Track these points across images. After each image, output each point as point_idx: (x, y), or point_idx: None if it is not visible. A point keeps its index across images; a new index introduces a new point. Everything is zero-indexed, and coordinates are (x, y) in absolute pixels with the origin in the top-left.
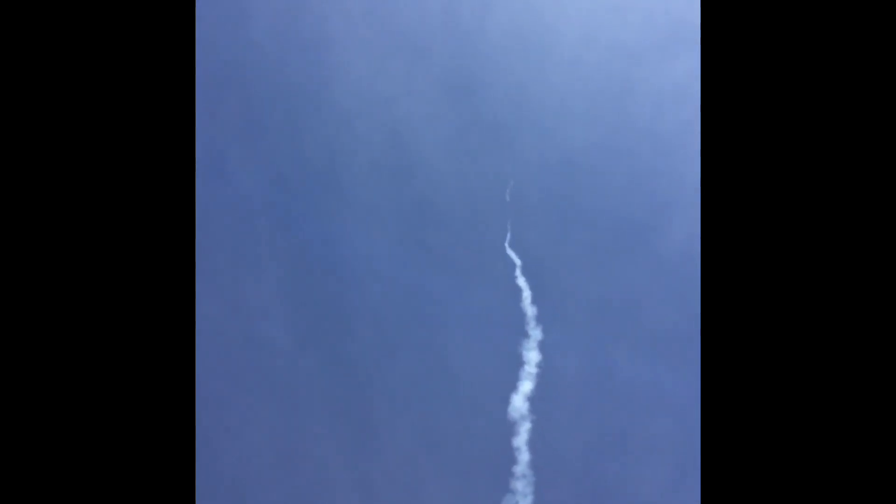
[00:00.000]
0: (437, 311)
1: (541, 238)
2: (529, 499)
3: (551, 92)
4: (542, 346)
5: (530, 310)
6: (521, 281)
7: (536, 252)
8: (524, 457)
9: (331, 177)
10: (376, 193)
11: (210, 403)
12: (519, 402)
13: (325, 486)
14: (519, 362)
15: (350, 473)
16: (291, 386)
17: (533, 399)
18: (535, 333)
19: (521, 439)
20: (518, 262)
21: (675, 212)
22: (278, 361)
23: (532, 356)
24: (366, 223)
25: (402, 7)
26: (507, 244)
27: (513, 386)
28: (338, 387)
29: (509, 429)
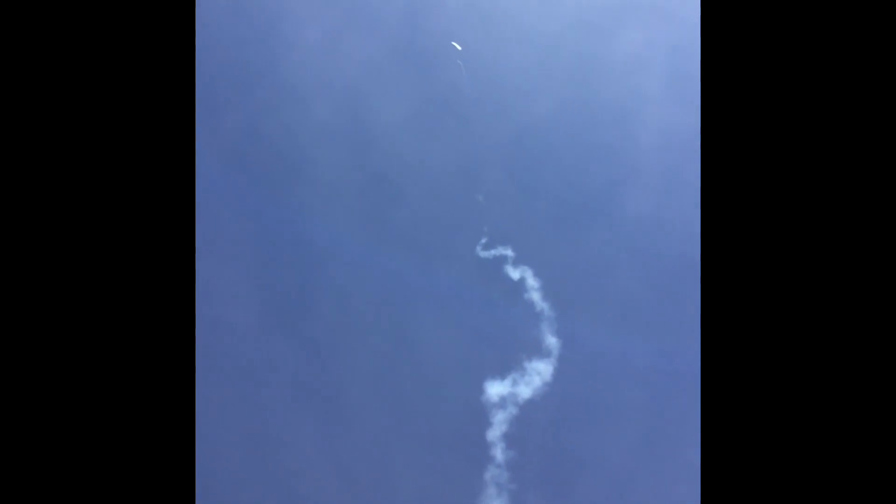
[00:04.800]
0: (402, 290)
1: (504, 211)
2: (504, 475)
3: (509, 64)
4: (512, 320)
5: (500, 285)
6: (488, 254)
7: (501, 226)
8: (497, 432)
9: (289, 155)
10: (336, 171)
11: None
12: (491, 380)
13: (295, 467)
14: (489, 339)
15: (320, 455)
16: (258, 370)
17: (505, 373)
18: (506, 308)
19: (494, 416)
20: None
21: (635, 181)
22: (244, 345)
23: (502, 332)
24: (327, 202)
25: None
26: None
27: (483, 363)
28: (306, 369)
29: (482, 407)
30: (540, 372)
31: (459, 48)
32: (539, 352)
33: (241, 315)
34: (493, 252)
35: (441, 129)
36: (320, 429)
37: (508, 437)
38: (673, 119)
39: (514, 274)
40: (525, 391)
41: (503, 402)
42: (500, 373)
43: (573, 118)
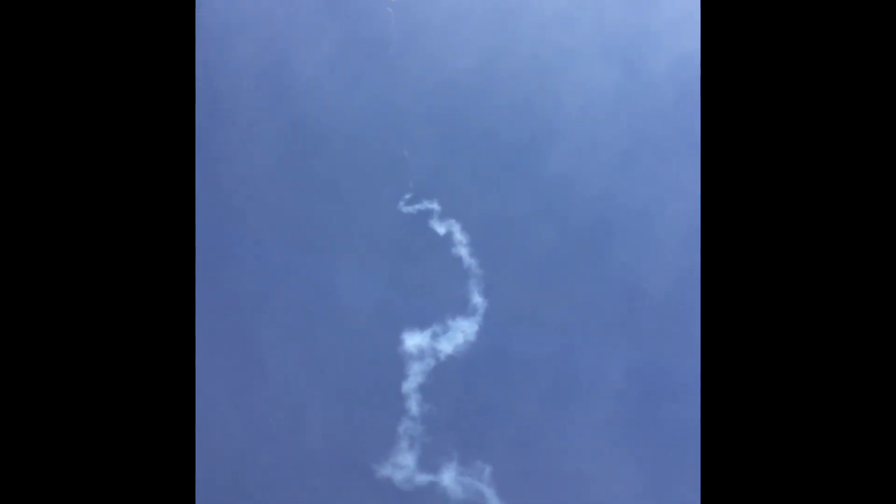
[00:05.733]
0: (321, 238)
1: (428, 161)
2: (419, 427)
3: (436, 12)
4: (430, 273)
5: (420, 237)
6: (411, 208)
7: (425, 176)
8: (413, 383)
9: (207, 97)
10: (256, 116)
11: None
12: (407, 332)
13: (207, 417)
14: (407, 290)
15: (233, 405)
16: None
17: (426, 327)
18: (424, 260)
19: (411, 368)
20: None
21: (559, 136)
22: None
23: (420, 284)
24: (246, 146)
25: None
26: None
27: (401, 315)
28: (218, 317)
29: (399, 358)
30: (464, 329)
31: None
32: (464, 308)
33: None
34: (417, 207)
35: (364, 77)
36: (232, 378)
37: (424, 390)
38: (597, 76)
39: (440, 228)
40: (447, 346)
41: (421, 355)
42: (421, 326)
43: (499, 69)
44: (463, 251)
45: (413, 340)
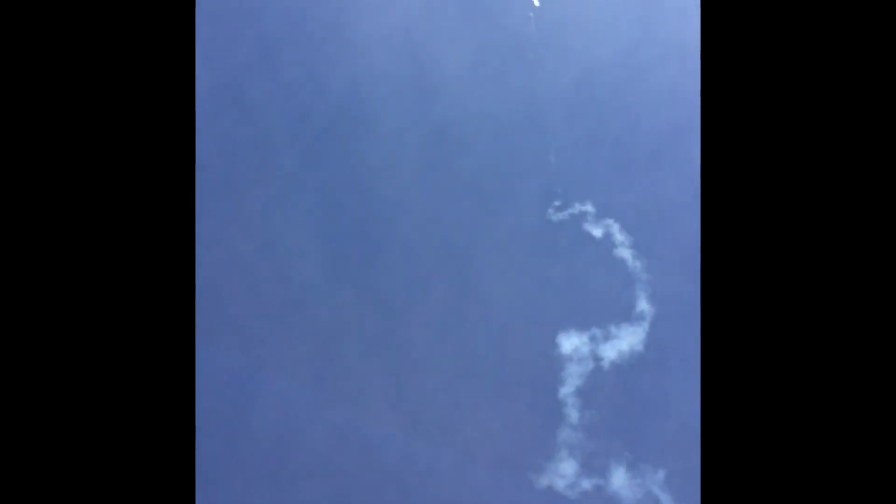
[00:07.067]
0: (467, 238)
1: (568, 158)
2: (579, 434)
3: (573, 5)
4: (587, 275)
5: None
6: (562, 214)
7: (567, 174)
8: (570, 387)
9: (353, 107)
10: (400, 122)
11: (249, 343)
12: (564, 333)
13: (367, 419)
14: (559, 291)
15: (391, 406)
16: (325, 325)
17: (577, 324)
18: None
19: (568, 370)
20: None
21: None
22: (310, 301)
23: (568, 283)
24: (392, 153)
25: None
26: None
27: (555, 315)
28: (373, 321)
29: (554, 360)
30: (628, 334)
31: (537, 3)
32: (629, 312)
33: (306, 270)
34: (569, 212)
35: (504, 75)
36: (388, 382)
37: (585, 396)
38: None
39: (596, 231)
40: (609, 351)
41: (582, 360)
42: (579, 330)
43: (638, 60)
44: (626, 252)
45: (570, 344)
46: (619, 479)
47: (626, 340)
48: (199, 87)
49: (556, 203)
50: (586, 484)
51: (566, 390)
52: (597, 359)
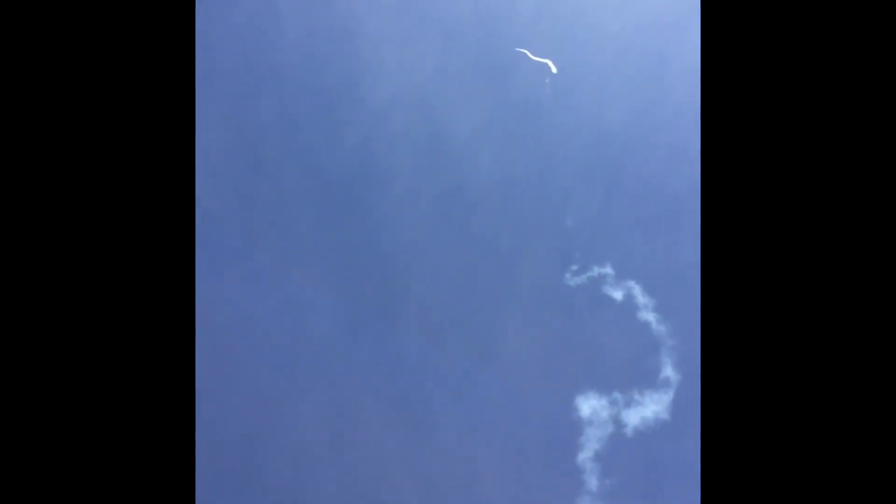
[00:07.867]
0: (483, 298)
1: (584, 220)
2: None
3: (584, 68)
4: (589, 328)
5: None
6: (580, 278)
7: (584, 236)
8: (589, 442)
9: (369, 168)
10: (415, 182)
11: (265, 400)
12: (585, 399)
13: (383, 478)
14: (574, 350)
15: (408, 465)
16: (345, 379)
17: (597, 388)
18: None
19: (588, 438)
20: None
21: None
22: (330, 356)
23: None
24: (407, 213)
25: None
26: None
27: (569, 374)
28: (391, 379)
29: (570, 418)
30: (655, 401)
31: (555, 70)
32: (653, 378)
33: (326, 326)
34: (588, 275)
35: (519, 138)
36: (406, 437)
37: (605, 462)
38: None
39: (616, 294)
40: (632, 417)
41: (602, 425)
42: (598, 393)
43: (651, 120)
44: (649, 316)
45: (589, 407)
46: None
47: (650, 407)
48: (218, 146)
49: (574, 267)
50: None
51: (584, 455)
52: (618, 424)
